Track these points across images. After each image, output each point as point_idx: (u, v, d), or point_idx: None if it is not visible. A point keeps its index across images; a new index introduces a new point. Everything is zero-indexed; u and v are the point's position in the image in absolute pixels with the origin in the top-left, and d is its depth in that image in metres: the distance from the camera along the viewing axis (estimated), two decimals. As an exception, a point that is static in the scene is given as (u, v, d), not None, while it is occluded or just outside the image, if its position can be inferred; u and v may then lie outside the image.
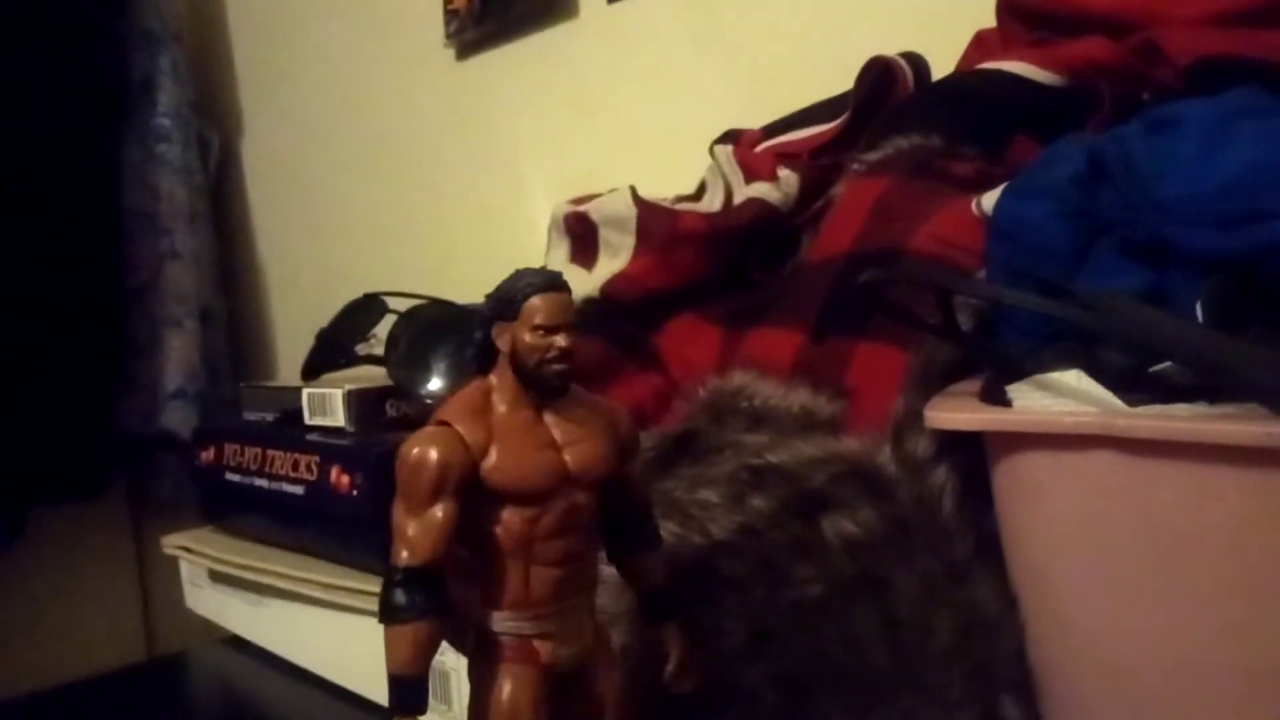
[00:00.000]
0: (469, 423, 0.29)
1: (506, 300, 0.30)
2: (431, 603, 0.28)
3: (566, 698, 0.31)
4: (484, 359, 0.31)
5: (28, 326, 1.18)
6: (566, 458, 0.30)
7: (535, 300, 0.30)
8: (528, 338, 0.29)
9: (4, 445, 1.16)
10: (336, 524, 0.57)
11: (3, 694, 0.68)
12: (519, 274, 0.31)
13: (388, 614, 0.29)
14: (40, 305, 1.19)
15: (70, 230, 1.23)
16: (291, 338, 1.35)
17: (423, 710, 0.28)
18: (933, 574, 0.35)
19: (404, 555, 0.29)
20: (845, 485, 0.37)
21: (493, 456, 0.29)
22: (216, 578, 0.69)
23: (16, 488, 1.20)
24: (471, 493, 0.29)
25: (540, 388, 0.30)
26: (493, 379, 0.31)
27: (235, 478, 0.65)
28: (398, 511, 0.29)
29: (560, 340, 0.30)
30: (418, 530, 0.28)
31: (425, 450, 0.29)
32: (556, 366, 0.30)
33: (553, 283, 0.30)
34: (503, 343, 0.30)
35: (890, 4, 0.69)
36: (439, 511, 0.28)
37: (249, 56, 1.42)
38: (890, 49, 0.59)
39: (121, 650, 1.36)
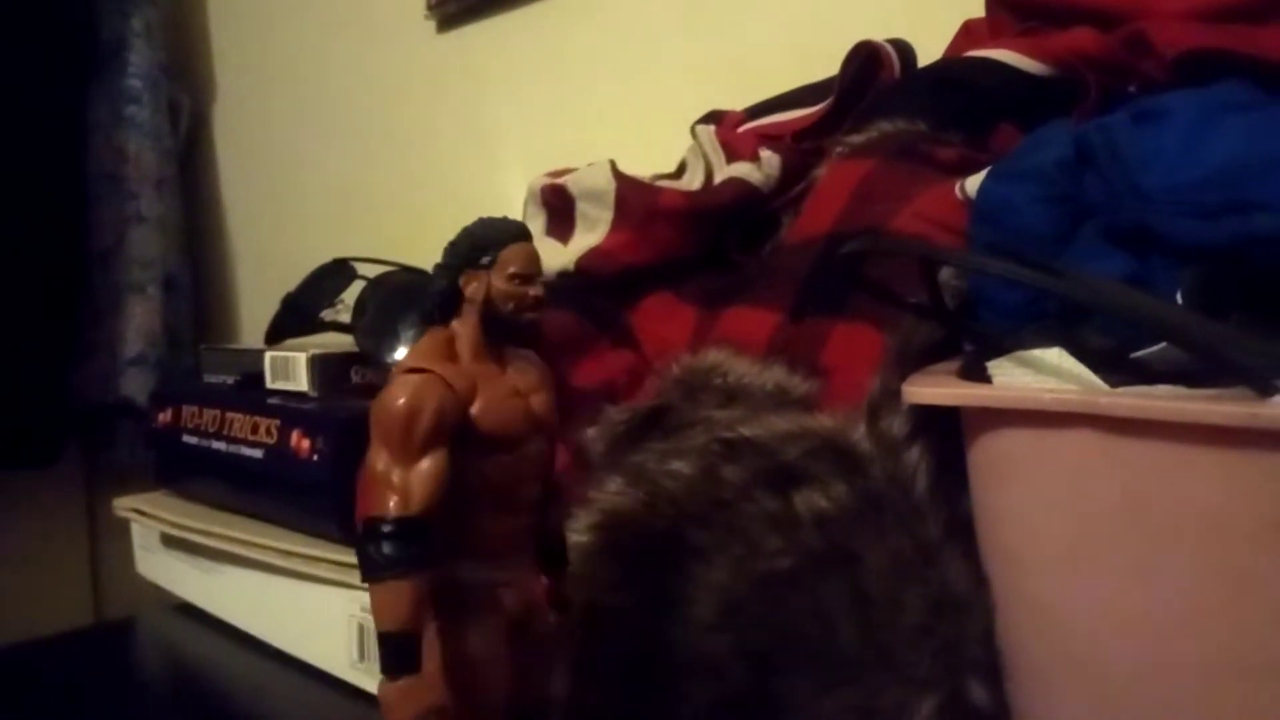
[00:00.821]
0: (450, 369, 0.28)
1: (481, 248, 0.29)
2: (428, 554, 0.27)
3: (516, 645, 0.30)
4: (448, 308, 0.30)
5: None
6: (532, 405, 0.30)
7: (513, 249, 0.29)
8: (503, 285, 0.29)
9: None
10: (296, 489, 0.56)
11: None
12: (487, 222, 0.30)
13: (378, 568, 0.27)
14: (-2, 267, 1.16)
15: (32, 190, 1.20)
16: (257, 307, 1.33)
17: (417, 669, 0.27)
18: (904, 552, 0.34)
19: (393, 505, 0.27)
20: (818, 460, 0.37)
21: (478, 402, 0.28)
22: (169, 542, 0.67)
23: (-35, 452, 1.17)
24: (454, 440, 0.28)
25: (511, 336, 0.29)
26: (455, 327, 0.30)
27: (192, 440, 0.64)
28: (380, 461, 0.28)
29: (534, 289, 0.29)
30: (411, 480, 0.27)
31: (418, 397, 0.27)
32: (530, 315, 0.29)
33: (525, 232, 0.30)
34: (473, 290, 0.29)
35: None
36: (433, 459, 0.27)
37: (224, 21, 1.39)
38: (877, 36, 0.59)
39: (69, 616, 1.34)
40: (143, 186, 1.27)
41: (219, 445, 0.61)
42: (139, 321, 1.24)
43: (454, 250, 0.30)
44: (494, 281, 0.29)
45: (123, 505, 0.71)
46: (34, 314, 1.20)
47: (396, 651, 0.27)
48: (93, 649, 0.71)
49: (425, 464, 0.27)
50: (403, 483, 0.27)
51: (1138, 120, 0.40)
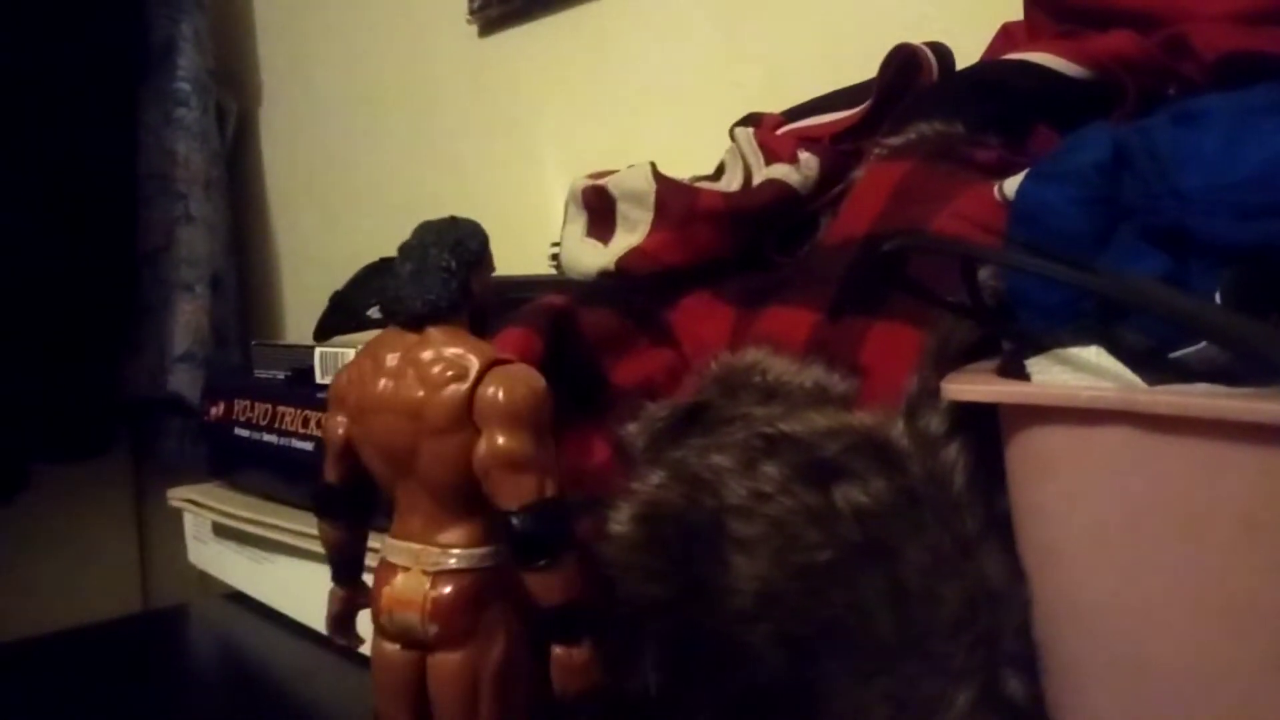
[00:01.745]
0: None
1: (485, 247, 0.31)
2: None
3: None
4: (461, 304, 0.31)
5: (39, 286, 1.18)
6: None
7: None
8: (489, 283, 0.31)
9: (9, 401, 1.17)
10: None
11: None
12: (468, 222, 0.32)
13: (561, 545, 0.29)
14: (52, 265, 1.20)
15: (85, 191, 1.23)
16: (300, 307, 1.36)
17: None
18: (941, 546, 0.35)
19: (550, 487, 0.29)
20: (857, 456, 0.37)
21: None
22: (221, 532, 0.69)
23: (20, 444, 1.21)
24: None
25: (484, 331, 0.31)
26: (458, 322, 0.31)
27: (244, 433, 0.66)
28: (528, 446, 0.29)
29: None
30: (552, 462, 0.29)
31: (541, 383, 0.29)
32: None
33: None
34: (479, 287, 0.31)
35: (918, -6, 0.69)
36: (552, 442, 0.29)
37: (271, 25, 1.42)
38: (916, 39, 0.60)
39: (117, 604, 1.38)
40: (191, 187, 1.30)
41: (270, 438, 0.63)
42: (187, 319, 1.27)
43: (464, 249, 0.31)
44: (487, 279, 0.31)
45: (176, 495, 0.73)
46: (86, 311, 1.24)
47: (582, 620, 0.29)
48: (147, 634, 0.73)
49: (553, 447, 0.29)
50: (551, 465, 0.29)
51: (1177, 122, 0.41)
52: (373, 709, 0.32)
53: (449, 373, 0.29)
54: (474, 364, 0.29)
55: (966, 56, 0.58)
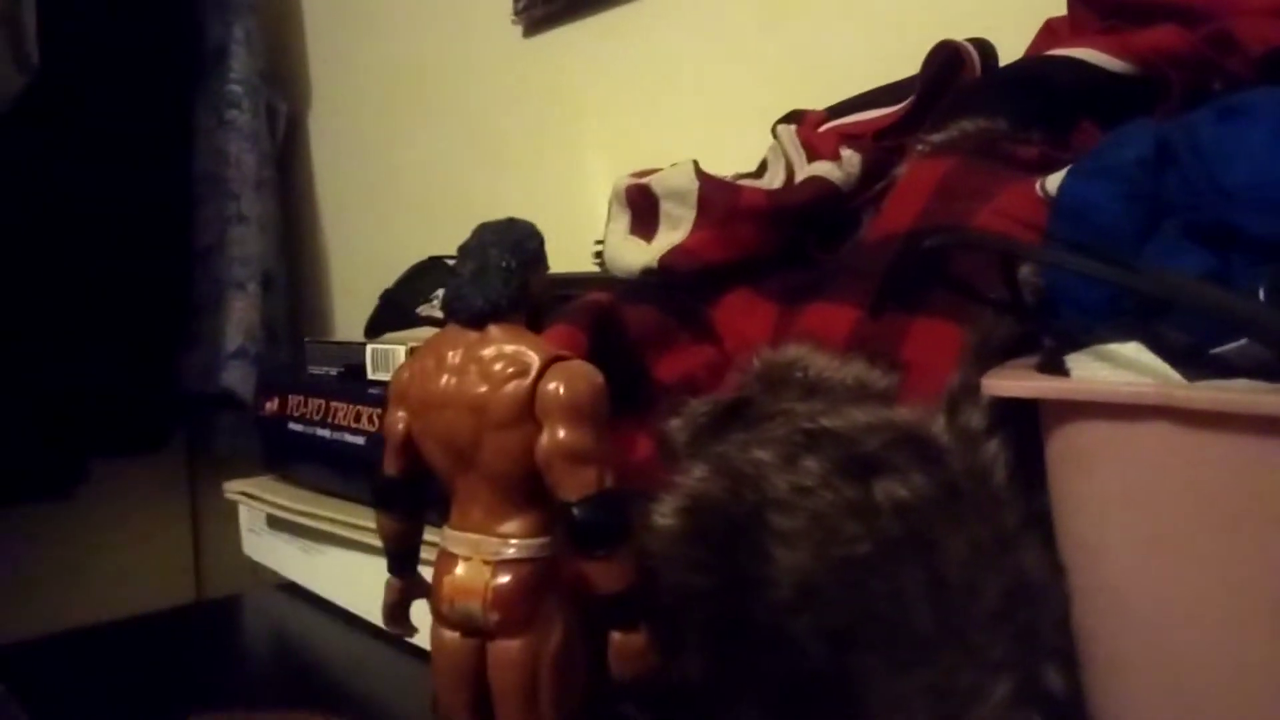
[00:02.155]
0: None
1: (541, 247, 0.32)
2: None
3: None
4: (520, 303, 0.32)
5: (97, 284, 1.22)
6: None
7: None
8: (545, 281, 0.32)
9: (69, 397, 1.20)
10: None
11: (55, 628, 0.71)
12: (515, 223, 0.33)
13: (624, 534, 0.31)
14: (110, 264, 1.23)
15: (141, 191, 1.27)
16: (349, 304, 1.38)
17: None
18: (981, 540, 0.35)
19: (610, 478, 0.30)
20: (898, 451, 0.38)
21: None
22: (275, 524, 0.71)
23: (79, 438, 1.25)
24: None
25: (539, 328, 0.33)
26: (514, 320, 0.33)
27: (298, 427, 0.67)
28: (589, 439, 0.30)
29: None
30: (612, 454, 0.30)
31: (600, 379, 0.31)
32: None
33: None
34: (537, 287, 0.32)
35: (961, -10, 0.69)
36: None
37: (320, 28, 1.45)
38: (958, 35, 0.60)
39: (171, 595, 1.41)
40: (243, 187, 1.33)
41: (323, 433, 0.64)
42: (239, 316, 1.30)
43: (523, 249, 0.32)
44: (544, 278, 0.32)
45: (232, 489, 0.75)
46: (142, 309, 1.27)
47: (639, 606, 0.31)
48: (203, 623, 0.75)
49: (610, 440, 0.31)
50: (610, 457, 0.30)
51: (1221, 117, 0.40)
52: (431, 695, 0.33)
53: (511, 369, 0.31)
54: (535, 360, 0.31)
55: (1010, 53, 0.58)
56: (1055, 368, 0.34)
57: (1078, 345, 0.34)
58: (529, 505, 0.31)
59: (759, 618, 0.35)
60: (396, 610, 0.37)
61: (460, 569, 0.31)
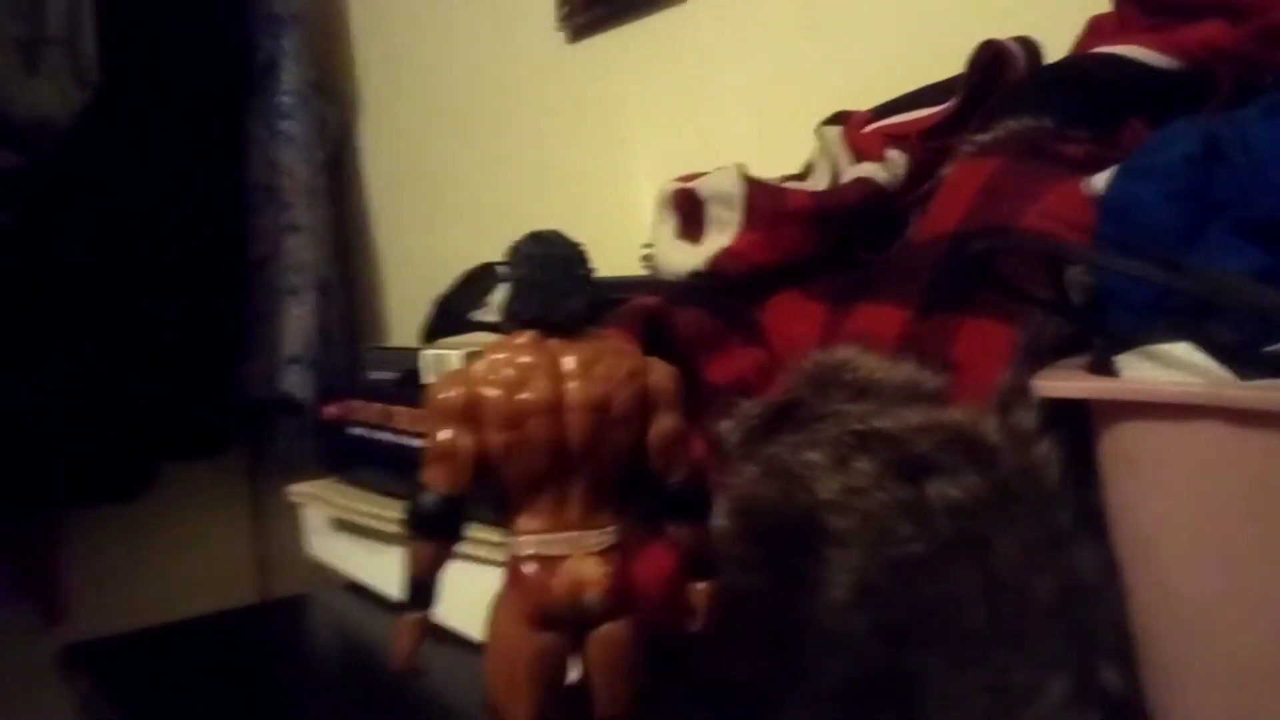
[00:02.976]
0: None
1: None
2: None
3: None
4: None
5: (159, 296, 1.26)
6: None
7: None
8: None
9: (136, 406, 1.24)
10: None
11: (126, 626, 0.73)
12: (564, 235, 0.34)
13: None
14: (170, 276, 1.27)
15: (198, 203, 1.30)
16: (403, 308, 1.40)
17: None
18: (1034, 539, 0.36)
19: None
20: (949, 452, 0.38)
21: None
22: (338, 525, 0.73)
23: (147, 445, 1.29)
24: None
25: None
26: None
27: (359, 431, 0.69)
28: (684, 421, 0.34)
29: None
30: None
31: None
32: None
33: None
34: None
35: (1005, -12, 0.69)
36: None
37: (368, 38, 1.47)
38: (1003, 34, 0.60)
39: (234, 596, 1.45)
40: (296, 197, 1.36)
41: (383, 436, 0.66)
42: (296, 323, 1.33)
43: (587, 262, 0.33)
44: None
45: (296, 491, 0.77)
46: (202, 318, 1.31)
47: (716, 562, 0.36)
48: (268, 623, 0.77)
49: None
50: None
51: (1270, 113, 0.40)
52: (491, 702, 0.34)
53: (625, 368, 0.33)
54: (637, 359, 0.33)
55: (1055, 51, 0.58)
56: (1105, 368, 0.34)
57: (1127, 345, 0.34)
58: (615, 496, 0.33)
59: (813, 617, 0.36)
60: (413, 653, 0.34)
61: (569, 566, 0.32)
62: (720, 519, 0.40)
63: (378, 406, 0.68)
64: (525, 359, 0.32)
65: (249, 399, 1.35)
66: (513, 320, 0.33)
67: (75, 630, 1.28)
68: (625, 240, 0.82)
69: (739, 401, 0.51)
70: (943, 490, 0.37)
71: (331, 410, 0.73)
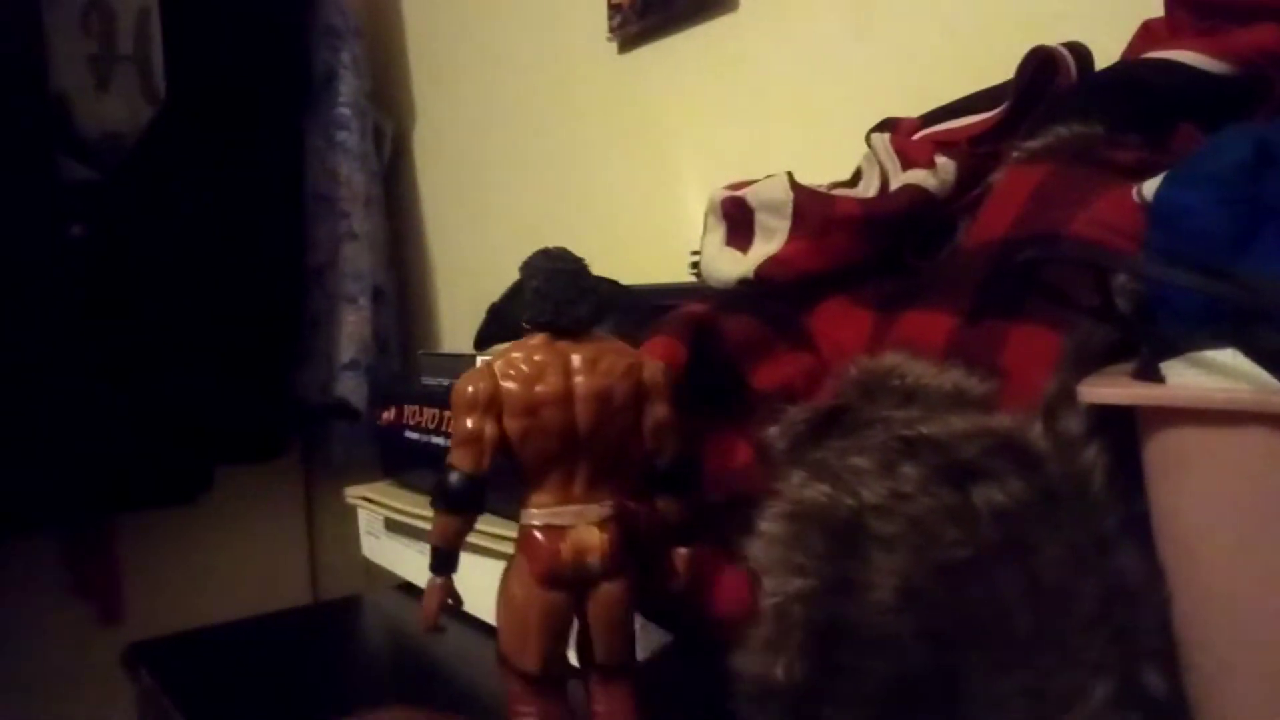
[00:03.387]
0: None
1: None
2: None
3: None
4: None
5: (219, 300, 1.29)
6: None
7: None
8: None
9: (196, 410, 1.28)
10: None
11: (185, 625, 0.75)
12: (569, 251, 0.40)
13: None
14: (231, 281, 1.30)
15: (259, 212, 1.34)
16: (455, 315, 1.43)
17: None
18: (1079, 544, 0.36)
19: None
20: (995, 458, 0.39)
21: None
22: (392, 527, 0.75)
23: (206, 448, 1.32)
24: None
25: None
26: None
27: (414, 436, 0.71)
28: (676, 409, 0.40)
29: None
30: None
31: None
32: None
33: None
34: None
35: (1055, -6, 0.69)
36: None
37: (423, 50, 1.50)
38: (1053, 39, 0.60)
39: (289, 596, 1.48)
40: (353, 206, 1.39)
41: (438, 440, 0.68)
42: (351, 330, 1.36)
43: (591, 275, 0.39)
44: None
45: (352, 494, 0.79)
46: (261, 324, 1.34)
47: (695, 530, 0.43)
48: (323, 623, 0.79)
49: None
50: None
51: (1324, 119, 0.40)
52: (503, 654, 0.39)
53: (624, 364, 0.38)
54: (634, 356, 0.38)
55: (1106, 56, 0.58)
56: (1151, 374, 0.34)
57: (1174, 351, 0.34)
58: (614, 474, 0.39)
59: (860, 619, 0.36)
60: (441, 610, 0.40)
61: (574, 534, 0.38)
62: (768, 523, 0.41)
63: (431, 411, 0.69)
64: (539, 357, 0.38)
65: (305, 404, 1.38)
66: (528, 324, 0.39)
67: (133, 630, 1.32)
68: (675, 247, 0.83)
69: (786, 407, 0.51)
70: (989, 495, 0.37)
71: (387, 415, 0.75)
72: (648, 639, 0.55)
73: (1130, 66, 0.54)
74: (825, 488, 0.40)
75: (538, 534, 0.38)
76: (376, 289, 1.41)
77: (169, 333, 1.26)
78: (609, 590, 0.39)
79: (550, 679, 0.39)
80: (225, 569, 1.46)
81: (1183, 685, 0.34)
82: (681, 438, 0.40)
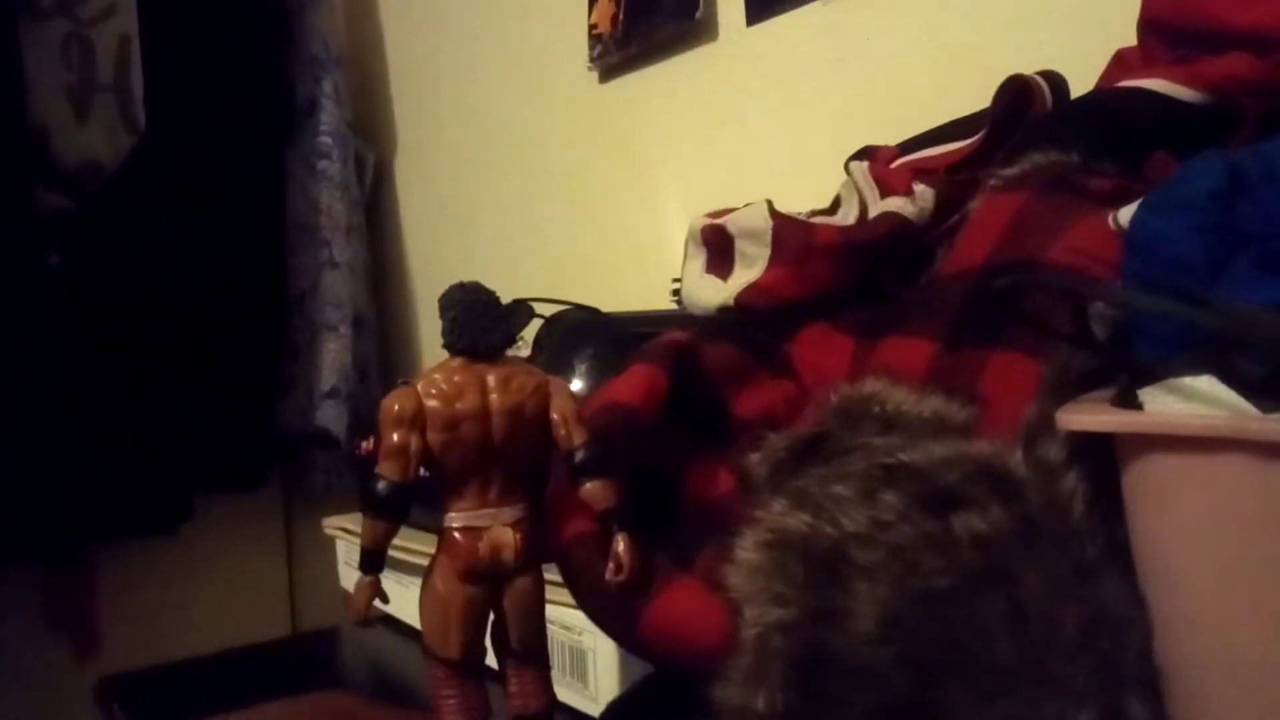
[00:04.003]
0: None
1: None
2: None
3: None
4: None
5: (199, 329, 1.28)
6: None
7: None
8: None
9: (175, 438, 1.26)
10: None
11: (162, 657, 0.74)
12: (481, 286, 0.44)
13: (614, 463, 0.44)
14: (211, 310, 1.30)
15: (239, 240, 1.33)
16: (436, 343, 1.42)
17: None
18: (1060, 572, 0.36)
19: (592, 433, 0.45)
20: (975, 485, 0.39)
21: None
22: (372, 559, 0.74)
23: (184, 477, 1.31)
24: None
25: None
26: None
27: (393, 466, 0.70)
28: (579, 408, 0.44)
29: None
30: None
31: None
32: None
33: None
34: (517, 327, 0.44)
35: (1028, 23, 0.70)
36: None
37: (404, 80, 1.51)
38: (1028, 68, 0.60)
39: (267, 627, 1.46)
40: (334, 234, 1.39)
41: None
42: (332, 358, 1.35)
43: (500, 303, 0.44)
44: None
45: (331, 524, 0.78)
46: (241, 352, 1.33)
47: (627, 514, 0.44)
48: (301, 656, 0.78)
49: None
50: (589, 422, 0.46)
51: (1296, 147, 0.41)
52: (427, 645, 0.43)
53: (533, 383, 0.43)
54: (541, 376, 0.43)
55: (1080, 85, 0.59)
56: (1129, 401, 0.34)
57: (1152, 378, 0.35)
58: (524, 482, 0.43)
59: (841, 649, 0.36)
60: (369, 606, 0.44)
61: (490, 534, 0.42)
62: (749, 552, 0.41)
63: (411, 440, 0.68)
64: (458, 378, 0.42)
65: (285, 432, 1.37)
66: (448, 349, 0.43)
67: (109, 663, 1.30)
68: (656, 275, 0.83)
69: (767, 435, 0.51)
70: (969, 523, 0.37)
71: (365, 445, 0.74)
72: (627, 672, 0.55)
73: (1105, 95, 0.55)
74: (806, 516, 0.40)
75: (457, 534, 0.43)
76: (357, 317, 1.40)
77: (148, 361, 1.25)
78: (522, 584, 0.43)
79: (470, 665, 0.43)
80: (204, 599, 1.44)
81: (1166, 714, 0.34)
82: (586, 426, 0.43)
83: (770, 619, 0.38)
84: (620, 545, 0.43)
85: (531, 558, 0.43)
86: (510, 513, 0.43)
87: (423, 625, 0.44)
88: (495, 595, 0.43)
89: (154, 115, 1.26)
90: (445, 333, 0.43)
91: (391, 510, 0.43)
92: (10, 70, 1.15)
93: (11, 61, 1.15)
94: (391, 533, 0.43)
